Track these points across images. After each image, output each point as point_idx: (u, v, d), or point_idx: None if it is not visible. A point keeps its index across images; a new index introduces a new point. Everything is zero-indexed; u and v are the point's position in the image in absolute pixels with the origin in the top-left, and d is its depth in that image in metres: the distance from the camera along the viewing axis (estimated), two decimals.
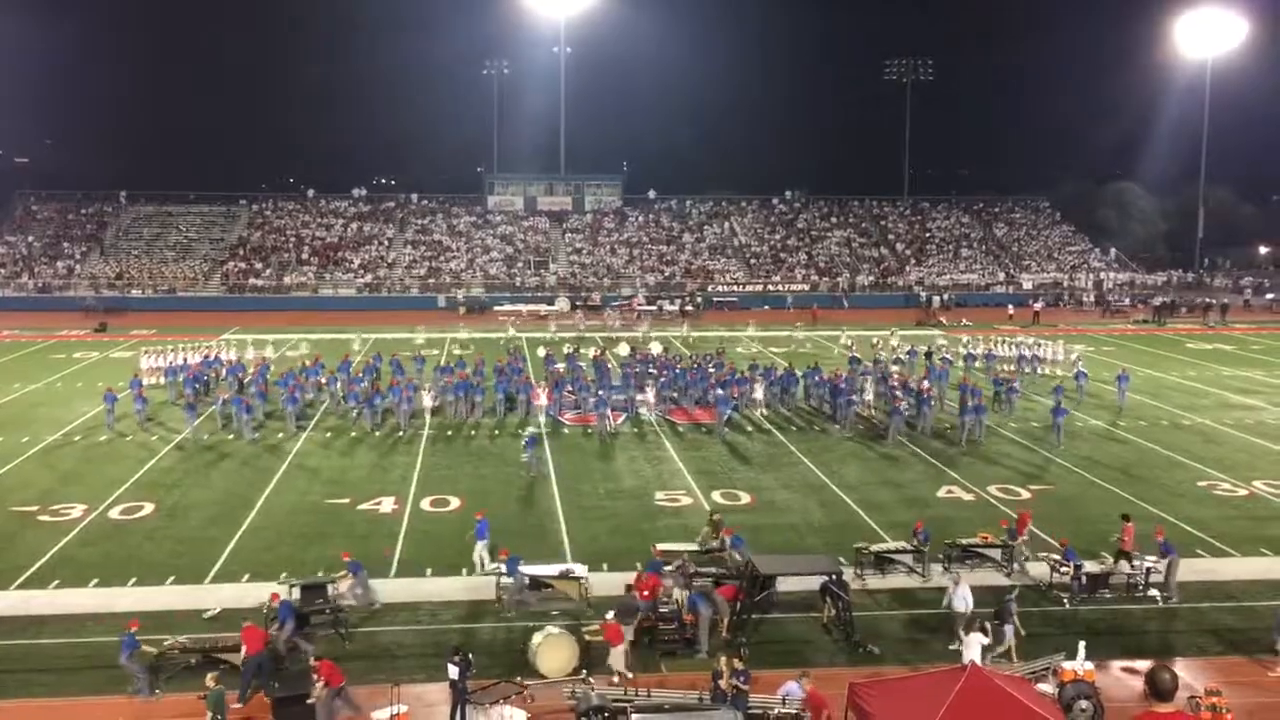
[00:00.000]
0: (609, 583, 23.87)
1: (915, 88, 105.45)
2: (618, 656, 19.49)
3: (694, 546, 24.72)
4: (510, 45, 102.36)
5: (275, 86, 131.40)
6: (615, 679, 19.15)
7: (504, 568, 22.83)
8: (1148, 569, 23.78)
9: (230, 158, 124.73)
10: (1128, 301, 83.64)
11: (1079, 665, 18.58)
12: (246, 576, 24.32)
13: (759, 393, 40.52)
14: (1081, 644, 19.14)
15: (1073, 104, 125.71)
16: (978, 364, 51.03)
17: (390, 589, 23.58)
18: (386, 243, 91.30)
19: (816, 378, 43.98)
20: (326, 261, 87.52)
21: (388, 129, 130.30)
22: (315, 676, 17.62)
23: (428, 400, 39.20)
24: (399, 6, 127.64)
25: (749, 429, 39.37)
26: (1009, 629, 20.62)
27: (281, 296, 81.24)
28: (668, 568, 23.42)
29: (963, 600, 20.86)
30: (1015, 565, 24.94)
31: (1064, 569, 23.81)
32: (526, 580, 22.58)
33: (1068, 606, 23.04)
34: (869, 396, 40.72)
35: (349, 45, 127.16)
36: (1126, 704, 18.29)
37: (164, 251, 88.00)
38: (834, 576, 21.98)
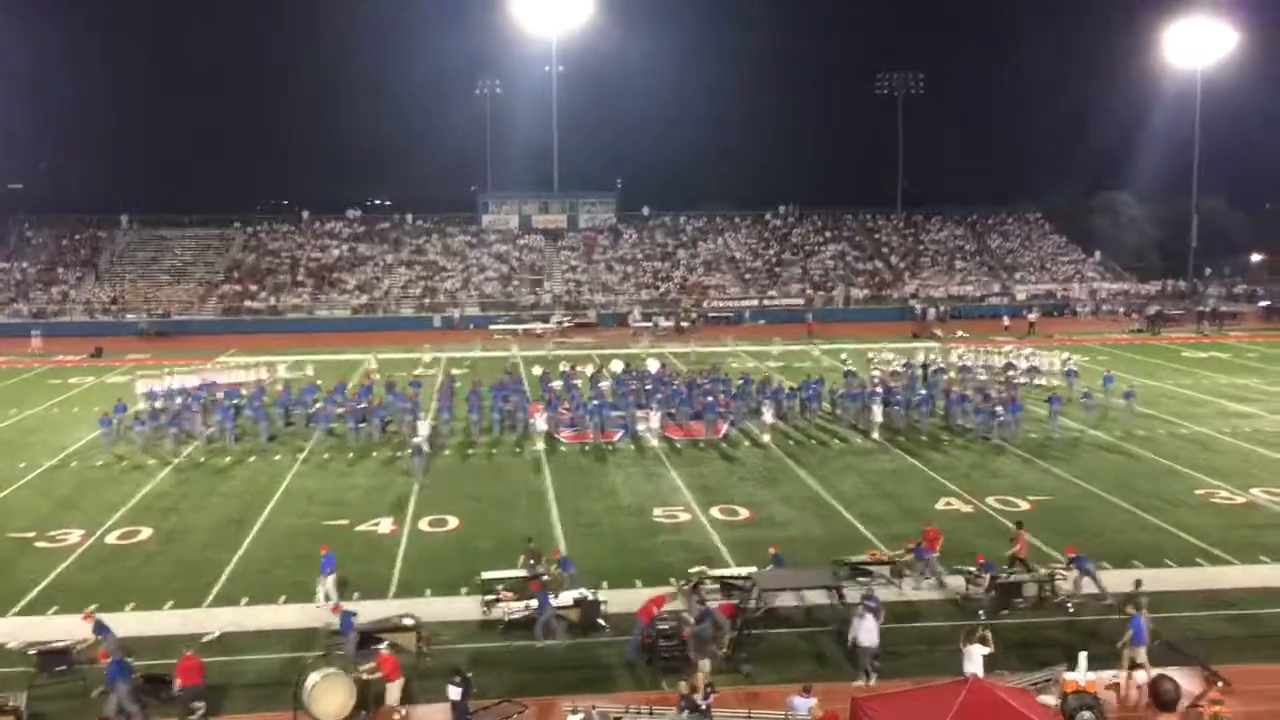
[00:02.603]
0: (609, 602, 23.85)
1: (907, 101, 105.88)
2: (394, 691, 19.09)
3: (522, 572, 24.27)
4: (502, 64, 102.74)
5: (268, 108, 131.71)
6: (396, 717, 18.91)
7: (337, 624, 21.43)
8: (1051, 576, 23.95)
9: (224, 181, 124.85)
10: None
11: (1081, 676, 18.57)
12: (245, 599, 24.27)
13: (768, 416, 40.41)
14: (1083, 655, 19.13)
15: (1064, 115, 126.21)
16: (980, 375, 51.18)
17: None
18: (382, 264, 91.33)
19: (812, 390, 44.35)
20: (322, 283, 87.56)
21: (381, 150, 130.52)
22: None
23: (424, 429, 39.09)
24: (391, 27, 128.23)
25: (745, 444, 39.38)
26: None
27: (277, 319, 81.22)
28: (672, 589, 23.53)
29: (868, 634, 20.08)
30: (927, 580, 24.86)
31: (979, 580, 23.84)
32: (358, 638, 21.01)
33: (982, 618, 22.81)
34: (877, 413, 40.64)
35: (341, 66, 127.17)
36: (1126, 715, 18.30)
37: (159, 275, 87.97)
38: (833, 590, 22.02)
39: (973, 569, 24.28)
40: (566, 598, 22.91)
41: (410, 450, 35.90)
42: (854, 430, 41.17)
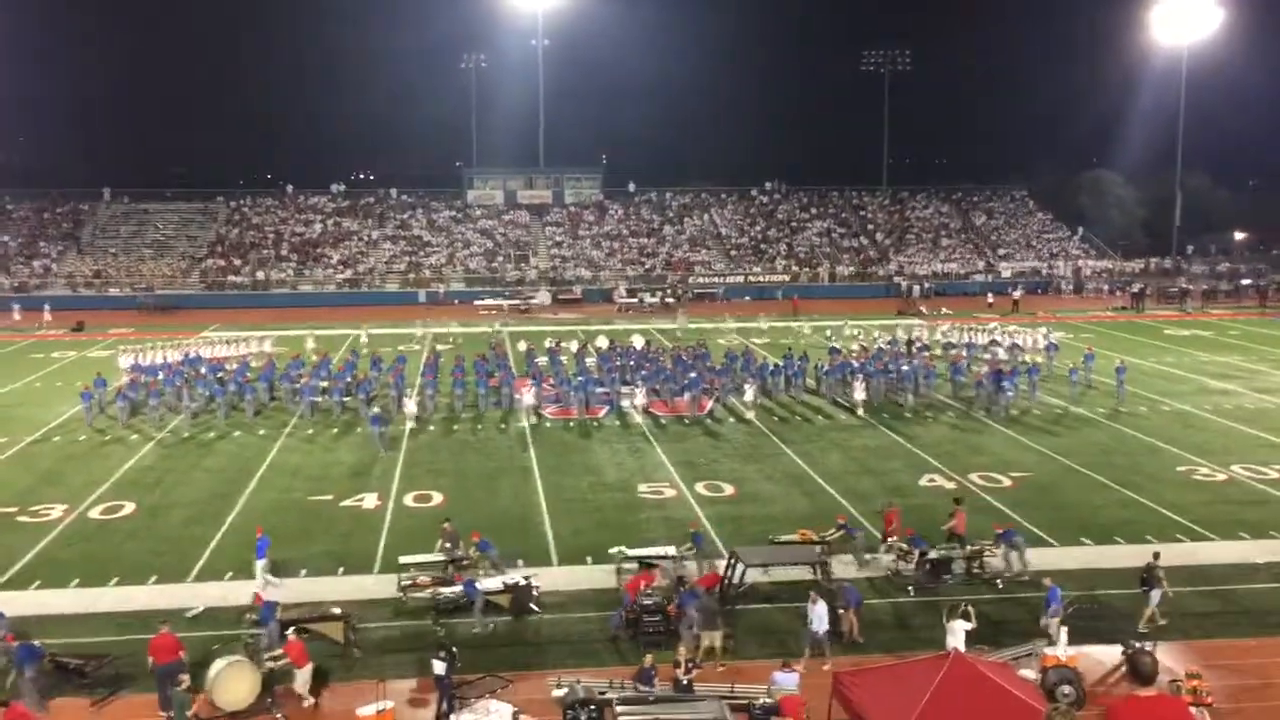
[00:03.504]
0: (593, 577, 23.97)
1: (893, 78, 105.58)
2: (303, 678, 18.68)
3: (440, 557, 23.88)
4: (487, 38, 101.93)
5: (252, 82, 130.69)
6: (304, 704, 18.61)
7: (260, 614, 20.72)
8: (980, 552, 24.24)
9: (207, 155, 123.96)
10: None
11: (1061, 651, 18.72)
12: (229, 575, 24.24)
13: (750, 394, 40.34)
14: (1064, 630, 19.28)
15: (1050, 93, 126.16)
16: (955, 351, 51.42)
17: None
18: (366, 238, 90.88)
19: (795, 366, 44.55)
20: (306, 257, 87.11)
21: (366, 124, 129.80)
22: None
23: (411, 406, 39.00)
24: (376, 1, 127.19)
25: (730, 420, 39.43)
26: (1157, 593, 21.11)
27: (261, 294, 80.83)
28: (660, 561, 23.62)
29: (819, 619, 19.99)
30: (869, 557, 24.97)
31: (909, 557, 24.03)
32: (279, 629, 20.16)
33: (911, 594, 23.12)
34: (859, 390, 40.72)
35: (325, 40, 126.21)
36: (1105, 689, 18.46)
37: (141, 249, 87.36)
38: (817, 567, 22.15)
39: (903, 545, 24.46)
40: (496, 582, 22.51)
41: (371, 420, 36.13)
42: (838, 406, 41.29)
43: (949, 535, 25.05)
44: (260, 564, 23.48)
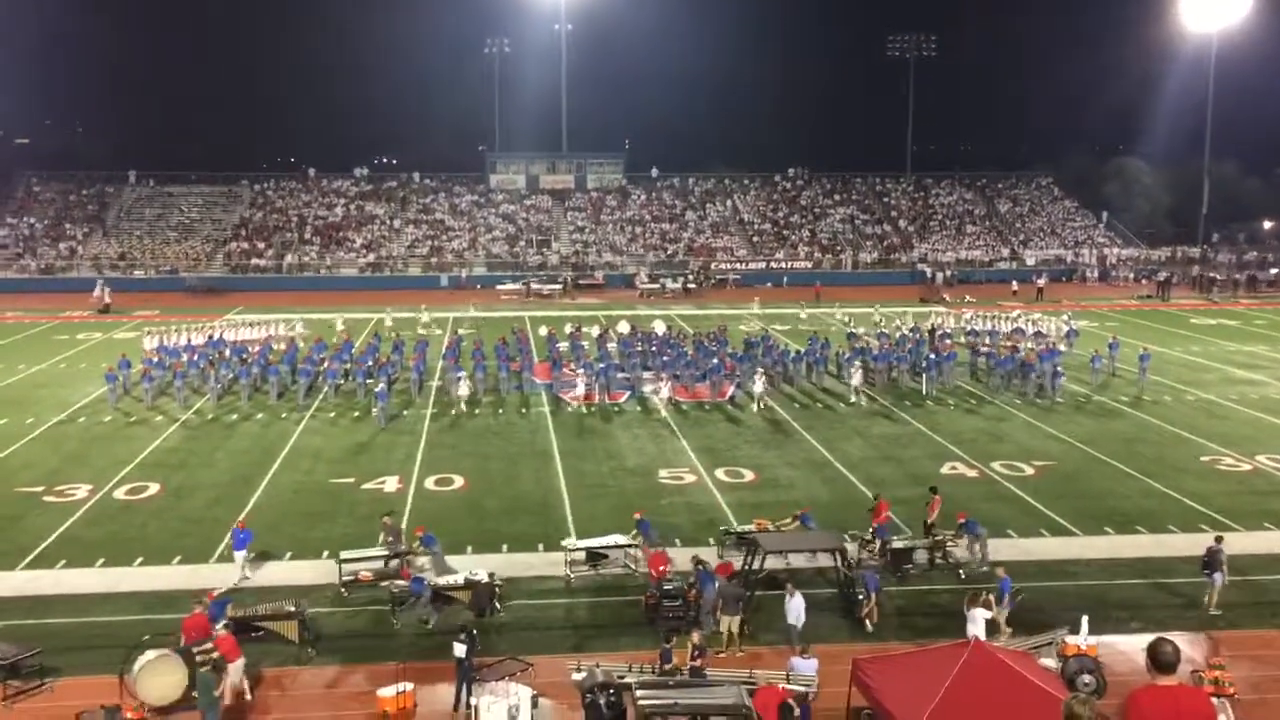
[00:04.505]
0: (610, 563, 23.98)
1: (918, 63, 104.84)
2: (236, 671, 17.97)
3: (383, 551, 23.44)
4: (511, 23, 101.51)
5: (275, 66, 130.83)
6: (244, 699, 18.06)
7: (209, 610, 19.75)
8: (941, 541, 24.13)
9: (231, 138, 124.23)
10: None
11: (1082, 640, 18.66)
12: (253, 555, 24.39)
13: (758, 385, 40.06)
14: (1084, 618, 19.20)
15: (1076, 79, 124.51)
16: (985, 339, 51.14)
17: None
18: (389, 222, 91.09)
19: (820, 352, 44.60)
20: (329, 241, 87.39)
21: (389, 108, 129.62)
22: None
23: (464, 389, 39.00)
24: None
25: (751, 406, 39.34)
26: (1219, 576, 21.18)
27: (286, 277, 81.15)
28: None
29: (794, 612, 19.75)
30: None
31: (870, 547, 23.91)
32: (231, 626, 19.39)
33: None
34: (856, 379, 40.46)
35: (349, 24, 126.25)
36: (1129, 677, 18.38)
37: (166, 232, 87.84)
38: (836, 552, 22.12)
39: (866, 535, 24.38)
40: (458, 578, 21.84)
41: (376, 391, 36.96)
42: (857, 392, 41.09)
43: (927, 525, 25.00)
44: (240, 555, 23.37)
